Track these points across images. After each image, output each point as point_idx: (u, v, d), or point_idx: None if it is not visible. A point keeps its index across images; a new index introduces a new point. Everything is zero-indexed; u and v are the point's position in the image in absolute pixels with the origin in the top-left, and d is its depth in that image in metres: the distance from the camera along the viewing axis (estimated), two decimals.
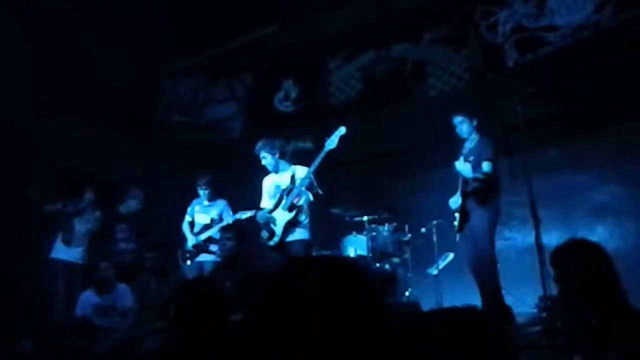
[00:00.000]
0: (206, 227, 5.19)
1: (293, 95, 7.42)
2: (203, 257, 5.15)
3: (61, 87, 6.15)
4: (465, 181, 4.21)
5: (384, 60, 6.73)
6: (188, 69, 8.13)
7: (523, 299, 4.25)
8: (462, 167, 4.15)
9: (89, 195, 5.53)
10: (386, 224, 5.49)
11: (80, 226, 5.45)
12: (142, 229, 5.72)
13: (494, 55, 5.83)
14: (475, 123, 4.35)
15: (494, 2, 5.96)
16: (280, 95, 7.50)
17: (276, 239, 4.12)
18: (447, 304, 4.95)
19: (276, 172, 4.38)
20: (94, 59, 6.34)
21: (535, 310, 4.13)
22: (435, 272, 5.15)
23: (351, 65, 7.01)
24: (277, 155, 4.32)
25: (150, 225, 5.93)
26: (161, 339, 4.00)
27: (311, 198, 4.14)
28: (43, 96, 5.96)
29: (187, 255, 5.17)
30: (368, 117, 6.48)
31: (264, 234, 4.22)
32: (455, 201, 4.32)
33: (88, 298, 4.79)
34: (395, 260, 5.31)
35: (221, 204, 5.31)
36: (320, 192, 4.10)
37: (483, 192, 4.15)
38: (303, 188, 4.09)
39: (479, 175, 4.11)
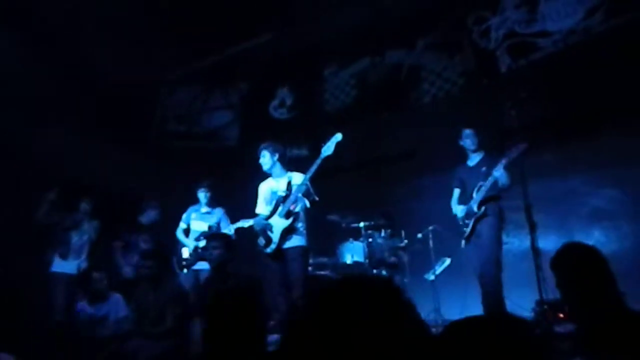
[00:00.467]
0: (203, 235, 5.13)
1: (288, 102, 7.44)
2: (199, 266, 5.04)
3: (56, 96, 6.14)
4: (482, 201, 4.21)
5: (378, 67, 6.77)
6: (183, 77, 8.15)
7: (520, 303, 4.24)
8: (457, 209, 4.44)
9: (85, 206, 5.50)
10: (383, 230, 5.51)
11: (78, 239, 5.41)
12: (160, 239, 5.69)
13: (487, 61, 5.87)
14: (481, 138, 4.42)
15: (486, 8, 6.01)
16: (275, 102, 7.52)
17: (273, 246, 4.09)
18: (444, 309, 4.96)
19: (270, 174, 4.38)
20: (91, 68, 6.33)
21: (532, 314, 4.14)
22: (432, 277, 5.17)
23: (346, 71, 7.04)
24: (275, 158, 4.32)
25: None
26: (159, 347, 3.98)
27: (308, 205, 4.14)
28: (37, 103, 5.96)
29: (184, 263, 5.11)
30: (363, 123, 6.49)
31: (261, 241, 4.19)
32: (462, 209, 4.34)
33: (82, 309, 4.75)
34: (392, 263, 5.33)
35: (219, 212, 5.27)
36: (317, 198, 4.10)
37: (493, 201, 4.21)
38: (300, 195, 4.08)
39: (495, 193, 4.19)
